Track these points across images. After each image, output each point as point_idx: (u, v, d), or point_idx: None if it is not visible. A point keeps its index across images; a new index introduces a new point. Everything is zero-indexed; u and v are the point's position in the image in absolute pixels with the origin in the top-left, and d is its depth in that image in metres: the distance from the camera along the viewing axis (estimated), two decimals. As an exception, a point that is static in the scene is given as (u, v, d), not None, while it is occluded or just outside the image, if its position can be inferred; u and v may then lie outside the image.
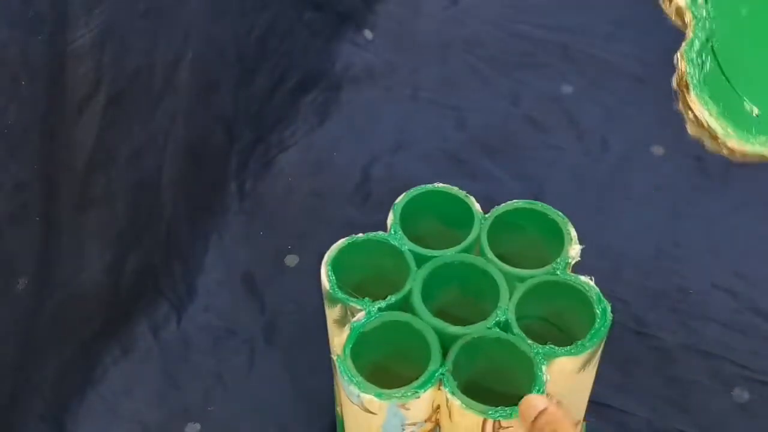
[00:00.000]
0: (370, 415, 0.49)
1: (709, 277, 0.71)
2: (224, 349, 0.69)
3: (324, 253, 0.74)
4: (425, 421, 0.50)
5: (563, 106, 0.85)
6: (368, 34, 0.91)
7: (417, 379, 0.49)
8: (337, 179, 0.80)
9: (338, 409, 0.62)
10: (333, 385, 0.62)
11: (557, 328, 0.53)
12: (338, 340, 0.52)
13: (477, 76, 0.87)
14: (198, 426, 0.65)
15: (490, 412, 0.47)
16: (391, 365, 0.52)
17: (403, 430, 0.50)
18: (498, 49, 0.90)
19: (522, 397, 0.47)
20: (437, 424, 0.51)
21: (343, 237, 0.73)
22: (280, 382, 0.67)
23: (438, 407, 0.50)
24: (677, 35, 0.93)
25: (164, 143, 0.69)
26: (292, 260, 0.74)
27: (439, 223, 0.57)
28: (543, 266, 0.53)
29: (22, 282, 0.59)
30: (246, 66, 0.78)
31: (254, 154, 0.80)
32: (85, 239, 0.64)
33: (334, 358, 0.50)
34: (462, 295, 0.54)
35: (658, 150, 0.80)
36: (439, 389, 0.49)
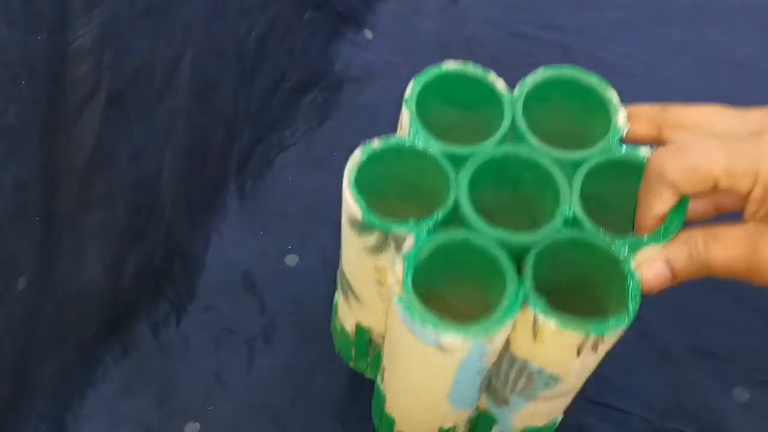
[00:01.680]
0: (446, 354, 0.43)
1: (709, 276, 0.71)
2: (224, 349, 0.69)
3: (324, 252, 0.74)
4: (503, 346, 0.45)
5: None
6: (368, 33, 0.91)
7: (475, 303, 0.43)
8: (337, 179, 0.80)
9: (378, 379, 0.57)
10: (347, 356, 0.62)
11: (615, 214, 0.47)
12: (365, 261, 0.45)
13: (477, 76, 0.87)
14: (198, 426, 0.65)
15: (593, 328, 0.42)
16: (442, 292, 0.46)
17: (482, 362, 0.44)
18: (498, 49, 0.90)
19: (609, 308, 0.43)
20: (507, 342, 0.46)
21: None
22: (280, 382, 0.67)
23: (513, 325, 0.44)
24: (677, 35, 0.93)
25: (164, 143, 0.69)
26: (292, 260, 0.74)
27: (459, 109, 0.49)
28: (585, 147, 0.46)
29: (22, 282, 0.59)
30: (246, 66, 0.78)
31: (254, 154, 0.80)
32: (85, 239, 0.64)
33: (394, 297, 0.43)
34: (508, 192, 0.47)
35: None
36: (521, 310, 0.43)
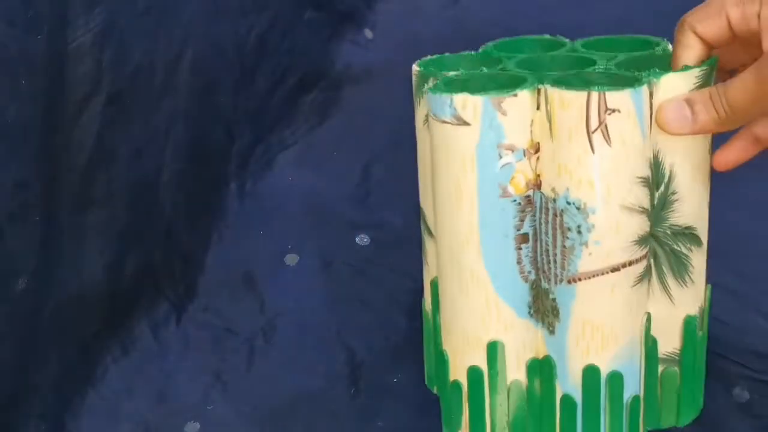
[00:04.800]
0: (464, 132, 0.48)
1: (709, 276, 0.71)
2: (224, 349, 0.69)
3: (324, 252, 0.74)
4: (523, 153, 0.48)
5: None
6: (368, 33, 0.91)
7: None
8: (337, 179, 0.80)
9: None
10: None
11: None
12: (426, 145, 0.52)
13: (477, 76, 0.87)
14: (197, 425, 0.65)
15: (593, 87, 0.46)
16: None
17: (500, 157, 0.48)
18: (498, 49, 0.90)
19: None
20: (537, 182, 0.49)
21: (343, 236, 0.73)
22: (280, 382, 0.67)
23: (537, 149, 0.48)
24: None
25: (164, 143, 0.69)
26: (292, 260, 0.74)
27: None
28: None
29: (22, 282, 0.59)
30: (246, 66, 0.78)
31: (254, 154, 0.80)
32: (85, 239, 0.64)
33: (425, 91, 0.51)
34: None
35: (658, 150, 0.80)
36: (537, 109, 0.48)
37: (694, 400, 0.57)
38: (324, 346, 0.68)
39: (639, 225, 0.49)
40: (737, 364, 0.66)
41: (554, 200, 0.48)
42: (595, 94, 0.46)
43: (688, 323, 0.55)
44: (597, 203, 0.48)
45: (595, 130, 0.46)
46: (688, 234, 0.53)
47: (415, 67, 0.54)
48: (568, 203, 0.48)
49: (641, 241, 0.50)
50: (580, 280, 0.50)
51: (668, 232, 0.52)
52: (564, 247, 0.49)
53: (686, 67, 0.48)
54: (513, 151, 0.48)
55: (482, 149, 0.47)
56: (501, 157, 0.48)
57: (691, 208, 0.52)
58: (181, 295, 0.72)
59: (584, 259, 0.49)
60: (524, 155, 0.48)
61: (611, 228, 0.48)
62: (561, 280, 0.50)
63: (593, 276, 0.49)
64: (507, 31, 0.91)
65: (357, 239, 0.75)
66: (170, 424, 0.65)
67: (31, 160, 0.57)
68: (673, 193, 0.51)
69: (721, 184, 0.77)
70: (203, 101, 0.73)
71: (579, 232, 0.48)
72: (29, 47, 0.55)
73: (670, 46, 0.53)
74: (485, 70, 0.52)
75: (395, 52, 0.90)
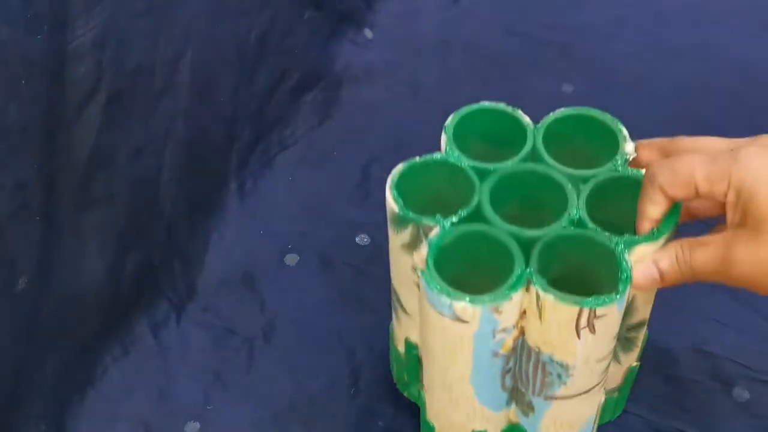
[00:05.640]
0: (462, 325, 0.49)
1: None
2: (224, 349, 0.69)
3: (324, 252, 0.74)
4: (514, 327, 0.51)
5: (563, 106, 0.84)
6: (368, 33, 0.91)
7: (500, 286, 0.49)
8: (337, 179, 0.80)
9: (422, 389, 0.62)
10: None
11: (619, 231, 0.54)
12: (404, 262, 0.52)
13: (477, 76, 0.87)
14: (197, 425, 0.65)
15: (585, 302, 0.48)
16: (468, 280, 0.52)
17: (494, 336, 0.50)
18: (498, 49, 0.90)
19: (605, 292, 0.49)
20: (522, 331, 0.52)
21: (343, 236, 0.73)
22: (280, 382, 0.67)
23: (524, 312, 0.51)
24: (677, 35, 0.93)
25: (164, 142, 0.69)
26: (292, 260, 0.74)
27: (489, 144, 0.57)
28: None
29: (22, 282, 0.59)
30: (246, 65, 0.78)
31: (254, 154, 0.80)
32: (85, 239, 0.64)
33: (417, 271, 0.50)
34: (525, 207, 0.54)
35: (658, 150, 0.80)
36: (527, 291, 0.49)
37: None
38: (324, 346, 0.69)
39: (609, 360, 0.54)
40: (737, 364, 0.66)
41: (538, 352, 0.52)
42: (585, 310, 0.48)
43: (631, 371, 0.61)
44: (578, 364, 0.52)
45: (583, 328, 0.49)
46: (639, 325, 0.57)
47: (390, 201, 0.53)
48: (551, 362, 0.52)
49: (608, 367, 0.55)
50: (556, 398, 0.54)
51: (624, 329, 0.56)
52: (544, 380, 0.53)
53: (654, 235, 0.50)
54: (506, 330, 0.51)
55: (478, 337, 0.50)
56: (495, 337, 0.50)
57: (644, 311, 0.57)
58: (181, 295, 0.72)
59: (561, 390, 0.54)
60: (514, 327, 0.51)
61: (588, 373, 0.53)
62: (538, 396, 0.55)
63: (568, 397, 0.54)
64: (507, 31, 0.91)
65: (357, 239, 0.75)
66: (170, 424, 0.65)
67: (31, 160, 0.57)
68: (632, 307, 0.55)
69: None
70: (203, 101, 0.73)
71: (559, 377, 0.53)
72: (29, 47, 0.55)
73: (628, 146, 0.54)
74: (462, 213, 0.52)
75: (395, 52, 0.90)
